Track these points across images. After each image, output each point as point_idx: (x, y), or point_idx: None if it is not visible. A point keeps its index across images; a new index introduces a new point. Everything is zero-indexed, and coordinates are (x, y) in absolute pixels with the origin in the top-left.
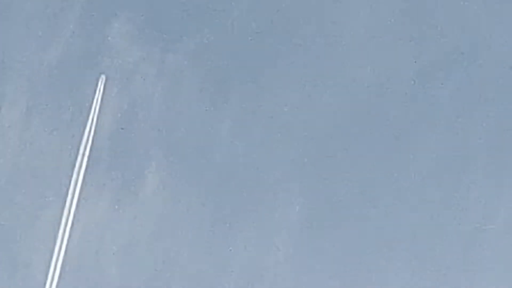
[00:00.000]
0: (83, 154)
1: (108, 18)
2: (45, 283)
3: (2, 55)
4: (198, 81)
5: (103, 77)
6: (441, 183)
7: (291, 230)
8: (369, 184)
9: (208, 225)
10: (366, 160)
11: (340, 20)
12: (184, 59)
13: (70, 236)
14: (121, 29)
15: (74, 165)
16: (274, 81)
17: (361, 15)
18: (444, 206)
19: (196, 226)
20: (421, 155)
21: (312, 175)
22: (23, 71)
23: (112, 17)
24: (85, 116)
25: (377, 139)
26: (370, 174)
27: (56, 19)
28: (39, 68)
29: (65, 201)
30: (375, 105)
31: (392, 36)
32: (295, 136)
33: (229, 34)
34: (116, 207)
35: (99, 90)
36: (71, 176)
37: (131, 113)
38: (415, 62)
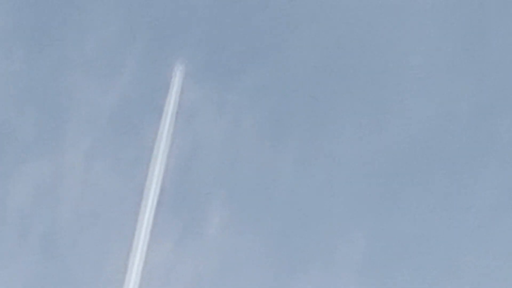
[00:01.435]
0: (150, 196)
1: (168, 59)
2: None
3: (61, 98)
4: (259, 120)
5: (167, 114)
6: (505, 219)
7: (355, 271)
8: (432, 222)
9: (271, 264)
10: (427, 196)
11: (398, 56)
12: (243, 97)
13: (137, 278)
14: (178, 68)
15: (138, 207)
16: (335, 118)
17: (419, 50)
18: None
19: (259, 266)
20: (482, 190)
21: (375, 214)
22: (84, 113)
23: (172, 57)
24: (147, 157)
25: (438, 175)
26: (432, 211)
27: (116, 60)
28: (100, 110)
29: (130, 244)
30: (435, 140)
31: (451, 70)
32: (357, 174)
33: (288, 72)
34: (180, 247)
35: (164, 128)
36: (136, 218)
37: (192, 153)
38: (474, 95)
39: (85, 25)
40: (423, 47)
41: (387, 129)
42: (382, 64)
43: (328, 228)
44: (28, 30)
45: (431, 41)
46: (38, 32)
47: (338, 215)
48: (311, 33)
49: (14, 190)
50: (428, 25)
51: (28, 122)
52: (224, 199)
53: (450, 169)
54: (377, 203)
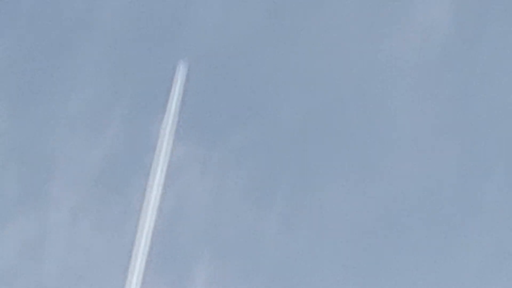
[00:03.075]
0: (138, 254)
1: (152, 116)
2: None
3: (46, 155)
4: (244, 179)
5: (156, 172)
6: (494, 280)
7: None
8: (420, 282)
9: None
10: (415, 256)
11: (385, 116)
12: (229, 156)
13: None
14: (165, 126)
15: (126, 266)
16: (321, 179)
17: (407, 111)
18: None
19: None
20: (468, 249)
21: (362, 274)
22: (69, 171)
23: (156, 114)
24: (132, 216)
25: (425, 235)
26: (420, 270)
27: (100, 118)
28: (84, 168)
29: None
30: (422, 200)
31: (437, 131)
32: (343, 234)
33: (274, 131)
34: None
35: (153, 186)
36: (124, 277)
37: (176, 212)
38: (460, 156)
39: (70, 83)
40: (410, 108)
41: (374, 190)
42: (369, 124)
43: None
44: (13, 88)
45: (418, 103)
46: (23, 90)
47: (324, 275)
48: (298, 93)
49: None
50: (416, 87)
51: (13, 179)
52: (210, 258)
53: (437, 229)
54: (364, 263)
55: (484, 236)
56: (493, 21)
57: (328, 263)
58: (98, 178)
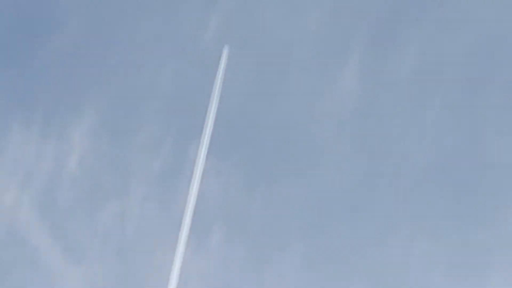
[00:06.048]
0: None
1: (190, 145)
2: None
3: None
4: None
5: (194, 178)
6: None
7: None
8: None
9: None
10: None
11: (315, 150)
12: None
13: None
14: (200, 151)
15: (176, 228)
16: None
17: (329, 141)
18: None
19: None
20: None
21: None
22: (139, 170)
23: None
24: (180, 198)
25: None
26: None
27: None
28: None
29: None
30: (339, 197)
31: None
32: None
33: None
34: None
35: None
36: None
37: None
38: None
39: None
40: (332, 145)
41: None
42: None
43: None
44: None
45: (338, 147)
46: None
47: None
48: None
49: None
50: (336, 136)
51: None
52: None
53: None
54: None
55: None
56: (392, 86)
57: None
58: (159, 179)
